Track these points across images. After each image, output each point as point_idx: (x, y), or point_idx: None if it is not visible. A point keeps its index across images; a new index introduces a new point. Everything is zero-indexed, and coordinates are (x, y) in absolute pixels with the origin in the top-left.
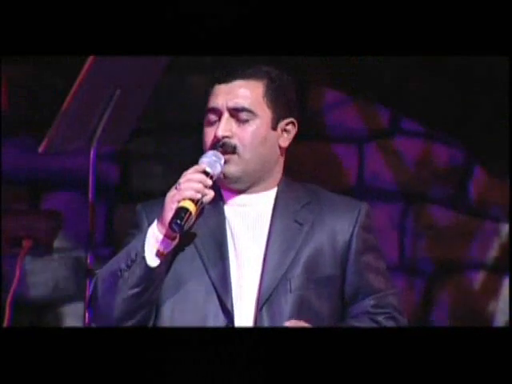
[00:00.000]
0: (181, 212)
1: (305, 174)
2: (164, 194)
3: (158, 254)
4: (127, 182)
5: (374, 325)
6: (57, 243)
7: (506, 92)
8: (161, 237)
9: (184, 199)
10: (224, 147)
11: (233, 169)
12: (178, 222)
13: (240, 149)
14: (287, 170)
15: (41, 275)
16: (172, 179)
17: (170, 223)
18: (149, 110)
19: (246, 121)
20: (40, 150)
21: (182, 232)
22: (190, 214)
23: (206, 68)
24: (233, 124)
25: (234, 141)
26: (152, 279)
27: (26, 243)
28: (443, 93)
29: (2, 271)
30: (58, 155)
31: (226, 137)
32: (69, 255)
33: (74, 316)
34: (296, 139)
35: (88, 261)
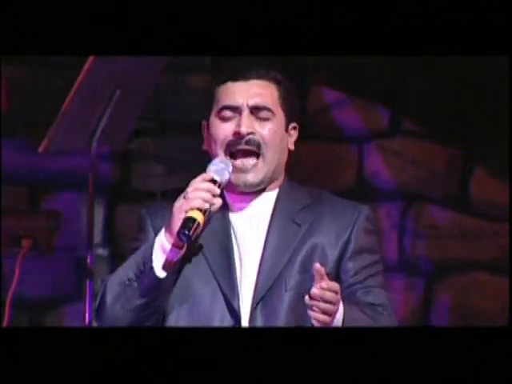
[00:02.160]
0: (188, 222)
1: (305, 174)
2: (164, 194)
3: (167, 263)
4: (127, 182)
5: (373, 310)
6: (57, 243)
7: (506, 92)
8: (169, 246)
9: (192, 209)
10: (248, 144)
11: (256, 177)
12: (186, 232)
13: (263, 147)
14: (288, 171)
15: (41, 275)
16: (172, 179)
17: (178, 233)
18: (149, 110)
19: (267, 119)
20: (40, 150)
21: (190, 242)
22: (198, 224)
23: (205, 68)
24: (253, 121)
25: (258, 138)
26: (161, 289)
27: (25, 243)
28: (443, 93)
29: (2, 271)
30: (57, 155)
31: (251, 133)
32: (69, 255)
33: (74, 316)
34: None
35: (88, 261)
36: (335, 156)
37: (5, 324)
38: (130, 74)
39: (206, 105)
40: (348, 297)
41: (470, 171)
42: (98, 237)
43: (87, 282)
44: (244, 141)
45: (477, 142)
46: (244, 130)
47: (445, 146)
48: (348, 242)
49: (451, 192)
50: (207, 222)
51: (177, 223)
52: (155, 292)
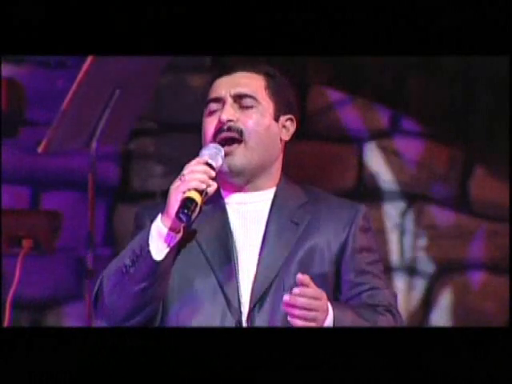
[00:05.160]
0: (187, 202)
1: (305, 174)
2: (164, 194)
3: (163, 247)
4: (127, 181)
5: (373, 312)
6: (57, 243)
7: (506, 92)
8: (165, 230)
9: (189, 190)
10: (230, 131)
11: (238, 160)
12: (186, 211)
13: (246, 134)
14: (287, 170)
15: (41, 275)
16: (172, 179)
17: (177, 213)
18: (149, 110)
19: (250, 107)
20: (40, 150)
21: (190, 222)
22: (197, 204)
23: (205, 68)
24: (236, 110)
25: (239, 125)
26: (158, 273)
27: (26, 243)
28: (443, 93)
29: (2, 271)
30: (57, 155)
31: (231, 120)
32: (69, 255)
33: (74, 316)
34: (296, 139)
35: (88, 261)
36: (335, 156)
37: (5, 324)
38: (130, 74)
39: (203, 107)
40: (350, 298)
41: (470, 171)
42: (97, 237)
43: (87, 282)
44: (225, 128)
45: (477, 142)
46: (224, 117)
47: (445, 146)
48: (346, 241)
49: (451, 192)
50: (202, 206)
51: (174, 205)
52: (152, 276)
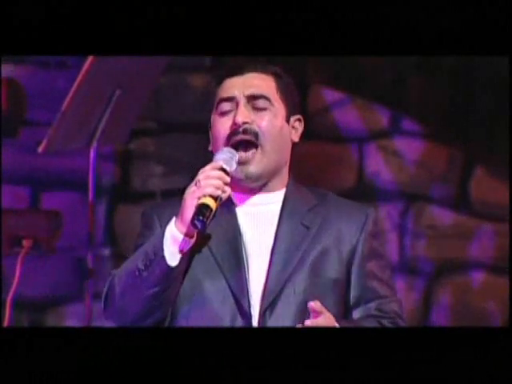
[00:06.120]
0: (203, 208)
1: (305, 174)
2: (164, 194)
3: (177, 252)
4: (127, 181)
5: (377, 326)
6: (57, 243)
7: (506, 92)
8: (180, 235)
9: (204, 196)
10: (245, 133)
11: (254, 168)
12: (201, 218)
13: (261, 137)
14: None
15: (41, 275)
16: (172, 179)
17: (193, 220)
18: (149, 110)
19: (264, 109)
20: (40, 150)
21: (205, 229)
22: (211, 210)
23: (205, 68)
24: (250, 111)
25: (255, 127)
26: (171, 278)
27: (26, 243)
28: (443, 93)
29: (2, 271)
30: (57, 155)
31: (246, 123)
32: (69, 255)
33: (74, 316)
34: (302, 138)
35: (88, 261)
36: (335, 156)
37: (5, 324)
38: (130, 74)
39: (206, 106)
40: (357, 301)
41: (470, 171)
42: (97, 237)
43: (87, 282)
44: (241, 130)
45: (477, 142)
46: (239, 119)
47: (445, 146)
48: (356, 246)
49: (451, 192)
50: (216, 211)
51: (189, 210)
52: (166, 281)
